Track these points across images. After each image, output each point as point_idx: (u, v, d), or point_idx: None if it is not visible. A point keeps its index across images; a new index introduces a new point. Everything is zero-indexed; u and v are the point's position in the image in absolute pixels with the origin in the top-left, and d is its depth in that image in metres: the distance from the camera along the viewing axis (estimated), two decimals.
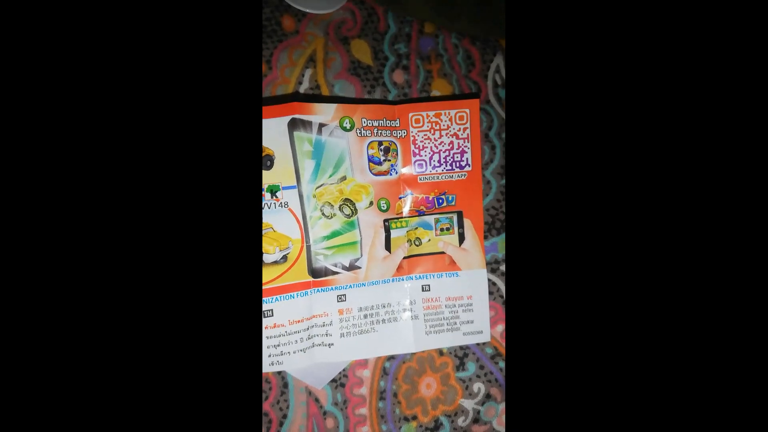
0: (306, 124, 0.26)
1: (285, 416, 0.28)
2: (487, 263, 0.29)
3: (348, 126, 0.27)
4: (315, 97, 0.28)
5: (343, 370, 0.28)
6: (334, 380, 0.28)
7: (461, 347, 0.29)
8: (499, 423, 0.29)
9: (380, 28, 0.30)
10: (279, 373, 0.27)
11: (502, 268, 0.29)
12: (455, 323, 0.28)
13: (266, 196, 0.26)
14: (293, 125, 0.26)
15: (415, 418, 0.28)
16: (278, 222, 0.26)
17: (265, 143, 0.26)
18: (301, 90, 0.29)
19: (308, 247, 0.26)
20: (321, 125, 0.27)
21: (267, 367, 0.26)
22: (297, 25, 0.30)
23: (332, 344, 0.27)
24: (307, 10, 0.29)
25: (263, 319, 0.26)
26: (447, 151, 0.28)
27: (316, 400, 0.28)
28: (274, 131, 0.26)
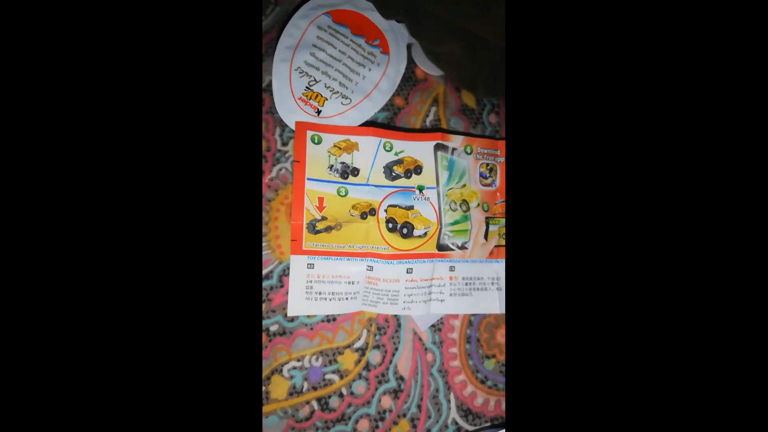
0: (445, 147, 0.39)
1: (396, 348, 0.38)
2: None
3: (469, 151, 0.40)
4: (452, 131, 0.41)
5: (440, 319, 0.39)
6: (433, 325, 0.39)
7: None
8: None
9: None
10: (395, 316, 0.38)
11: None
12: None
13: (416, 191, 0.38)
14: (437, 147, 0.39)
15: (494, 356, 0.40)
16: (423, 209, 0.38)
17: (417, 157, 0.38)
18: (428, 121, 0.42)
19: (440, 229, 0.38)
20: (453, 149, 0.39)
21: (400, 311, 0.37)
22: (426, 75, 0.43)
23: (443, 300, 0.39)
24: (426, 70, 0.43)
25: (406, 275, 0.38)
26: None
27: (420, 339, 0.39)
28: (424, 150, 0.39)
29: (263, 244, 0.37)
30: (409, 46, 0.41)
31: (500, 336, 0.40)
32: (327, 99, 0.38)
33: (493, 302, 0.40)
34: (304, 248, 0.35)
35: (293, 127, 0.37)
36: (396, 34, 0.40)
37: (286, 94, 0.37)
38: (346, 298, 0.37)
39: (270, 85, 0.39)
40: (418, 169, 0.38)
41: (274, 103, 0.38)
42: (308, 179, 0.36)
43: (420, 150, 0.39)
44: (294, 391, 0.36)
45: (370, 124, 0.39)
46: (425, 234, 0.38)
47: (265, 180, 0.37)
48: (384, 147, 0.38)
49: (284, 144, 0.38)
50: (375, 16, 0.40)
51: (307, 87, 0.38)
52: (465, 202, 0.39)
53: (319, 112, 0.38)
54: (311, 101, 0.38)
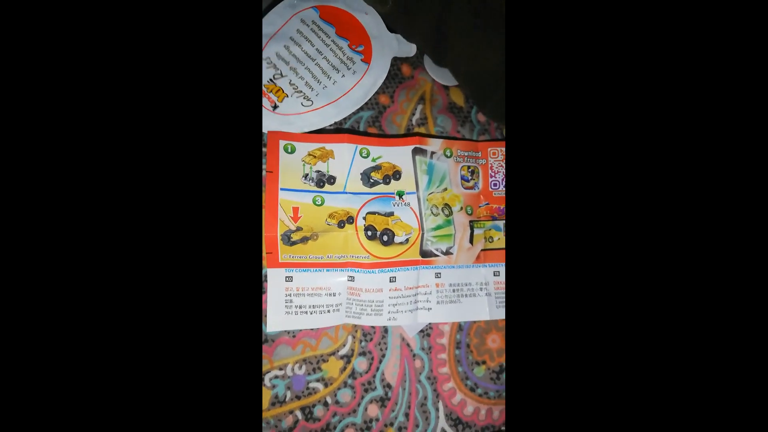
0: (423, 152, 0.38)
1: (384, 355, 0.38)
2: None
3: (449, 154, 0.39)
4: (430, 135, 0.40)
5: (429, 324, 0.38)
6: (422, 331, 0.38)
7: None
8: None
9: None
10: None
11: None
12: None
13: (396, 197, 0.37)
14: (415, 152, 0.38)
15: (484, 362, 0.40)
16: (403, 215, 0.37)
17: (396, 162, 0.38)
18: (414, 120, 0.41)
19: (422, 235, 0.38)
20: (432, 152, 0.38)
21: (385, 322, 0.36)
22: (412, 72, 0.42)
23: (431, 308, 0.38)
24: (439, 81, 0.41)
25: (389, 284, 0.37)
26: None
27: (408, 345, 0.38)
28: (403, 155, 0.38)
29: None
30: (396, 63, 0.40)
31: (491, 341, 0.40)
32: (288, 96, 0.37)
33: (483, 308, 0.39)
34: (280, 261, 0.35)
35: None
36: (384, 43, 0.38)
37: None
38: (328, 311, 0.36)
39: None
40: (396, 175, 0.38)
41: None
42: (282, 189, 0.35)
43: (398, 155, 0.38)
44: (276, 401, 0.36)
45: (346, 130, 0.38)
46: (407, 240, 0.37)
47: None
48: (360, 153, 0.37)
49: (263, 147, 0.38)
50: (367, 21, 0.38)
51: (270, 79, 0.37)
52: (447, 206, 0.38)
53: (275, 107, 0.36)
54: (270, 94, 0.36)
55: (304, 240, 0.35)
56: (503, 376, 0.39)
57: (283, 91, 0.37)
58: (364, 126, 0.39)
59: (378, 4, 0.36)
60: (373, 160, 0.37)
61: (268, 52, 0.37)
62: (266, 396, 0.36)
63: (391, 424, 0.37)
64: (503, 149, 0.40)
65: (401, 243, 0.37)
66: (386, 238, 0.36)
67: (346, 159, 0.37)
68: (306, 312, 0.36)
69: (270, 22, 0.37)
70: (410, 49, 0.39)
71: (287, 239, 0.35)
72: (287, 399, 0.36)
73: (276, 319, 0.35)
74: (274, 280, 0.35)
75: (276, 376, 0.36)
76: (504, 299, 0.39)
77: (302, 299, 0.36)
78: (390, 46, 0.39)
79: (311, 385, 0.37)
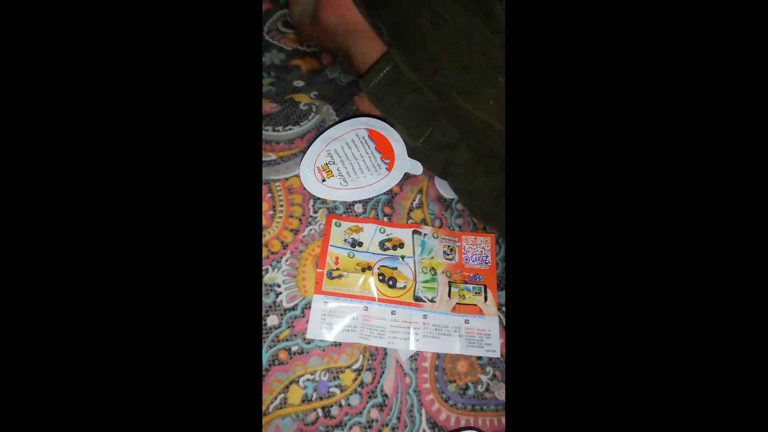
0: (419, 232, 0.59)
1: (383, 371, 0.51)
2: (498, 310, 0.58)
3: (435, 236, 0.60)
4: (423, 221, 0.62)
5: (416, 351, 0.53)
6: (411, 356, 0.53)
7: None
8: (499, 393, 0.54)
9: None
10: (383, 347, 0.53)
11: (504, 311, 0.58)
12: (481, 343, 0.56)
13: (399, 258, 0.57)
14: (414, 232, 0.59)
15: (454, 381, 0.54)
16: (404, 270, 0.56)
17: (401, 237, 0.58)
18: (414, 204, 0.61)
19: (416, 285, 0.56)
20: (425, 234, 0.59)
21: (386, 344, 0.52)
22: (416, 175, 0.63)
23: (419, 340, 0.54)
24: (442, 192, 0.64)
25: (391, 315, 0.54)
26: (479, 254, 0.60)
27: (401, 365, 0.52)
28: (406, 233, 0.58)
29: (293, 284, 0.53)
30: (407, 174, 0.60)
31: (459, 366, 0.55)
32: (333, 176, 0.57)
33: (455, 345, 0.54)
34: (322, 289, 0.53)
35: (306, 185, 0.56)
36: (403, 163, 0.59)
37: (312, 160, 0.57)
38: (347, 330, 0.53)
39: (307, 149, 0.57)
40: (401, 245, 0.58)
41: (302, 159, 0.56)
42: (331, 245, 0.55)
43: (403, 233, 0.58)
44: (305, 399, 0.49)
45: (371, 215, 0.60)
46: (405, 287, 0.55)
47: (299, 236, 0.56)
48: (379, 230, 0.58)
49: (315, 212, 0.57)
50: (396, 146, 0.59)
51: (326, 163, 0.57)
52: (433, 268, 0.58)
53: (323, 180, 0.57)
54: (323, 172, 0.57)
55: (340, 276, 0.54)
56: (468, 392, 0.54)
57: (331, 172, 0.57)
58: (381, 205, 0.59)
59: (410, 139, 0.57)
60: (387, 235, 0.58)
61: (330, 147, 0.58)
62: (299, 394, 0.49)
63: (387, 425, 0.50)
64: (472, 237, 0.60)
65: (401, 288, 0.55)
66: (392, 282, 0.55)
67: (371, 233, 0.57)
68: (332, 329, 0.52)
69: (336, 130, 0.58)
70: (419, 170, 0.60)
71: (330, 275, 0.53)
72: (313, 399, 0.49)
73: (314, 330, 0.52)
74: (317, 302, 0.53)
75: (308, 380, 0.50)
76: (471, 341, 0.55)
77: (332, 318, 0.53)
78: (406, 165, 0.59)
79: (331, 389, 0.50)
